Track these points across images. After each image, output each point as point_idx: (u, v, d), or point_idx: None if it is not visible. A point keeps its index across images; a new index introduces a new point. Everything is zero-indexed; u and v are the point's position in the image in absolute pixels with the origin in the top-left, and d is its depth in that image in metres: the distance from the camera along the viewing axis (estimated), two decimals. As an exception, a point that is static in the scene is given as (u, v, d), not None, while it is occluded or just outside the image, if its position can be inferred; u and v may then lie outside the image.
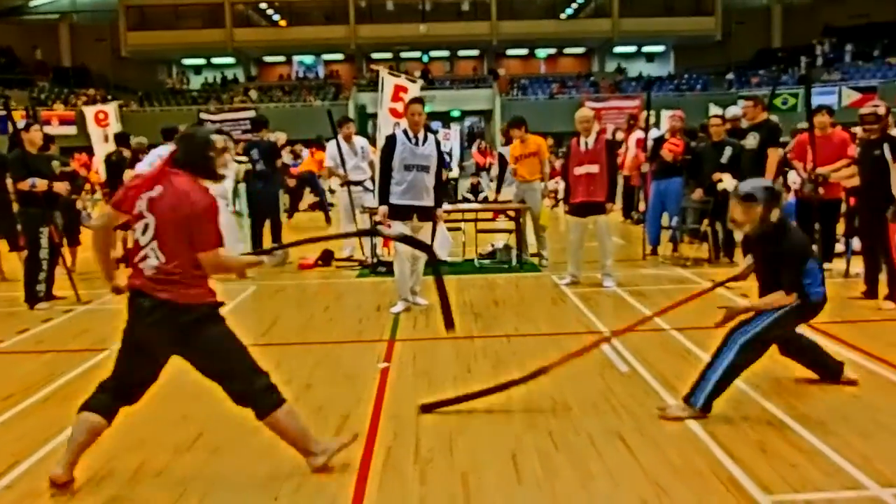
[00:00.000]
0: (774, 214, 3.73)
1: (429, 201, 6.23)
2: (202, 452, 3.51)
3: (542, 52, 38.22)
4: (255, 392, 3.18)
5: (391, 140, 6.18)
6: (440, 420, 3.82)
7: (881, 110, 5.82)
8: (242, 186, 8.97)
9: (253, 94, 35.18)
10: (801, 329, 4.25)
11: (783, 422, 3.62)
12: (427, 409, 3.93)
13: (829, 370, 4.14)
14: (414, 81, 9.13)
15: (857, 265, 6.75)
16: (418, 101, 6.24)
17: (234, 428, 3.78)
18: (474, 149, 22.12)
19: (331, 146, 9.13)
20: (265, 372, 3.26)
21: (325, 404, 4.12)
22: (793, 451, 3.28)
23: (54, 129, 28.04)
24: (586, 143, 7.05)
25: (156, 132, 11.69)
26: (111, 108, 15.65)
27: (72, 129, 27.29)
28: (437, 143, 6.29)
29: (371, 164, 8.95)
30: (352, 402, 4.13)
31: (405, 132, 6.15)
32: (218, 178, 3.18)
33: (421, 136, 6.12)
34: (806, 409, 3.77)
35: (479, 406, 4.00)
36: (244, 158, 8.22)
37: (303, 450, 3.24)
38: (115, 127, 14.50)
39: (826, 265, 7.04)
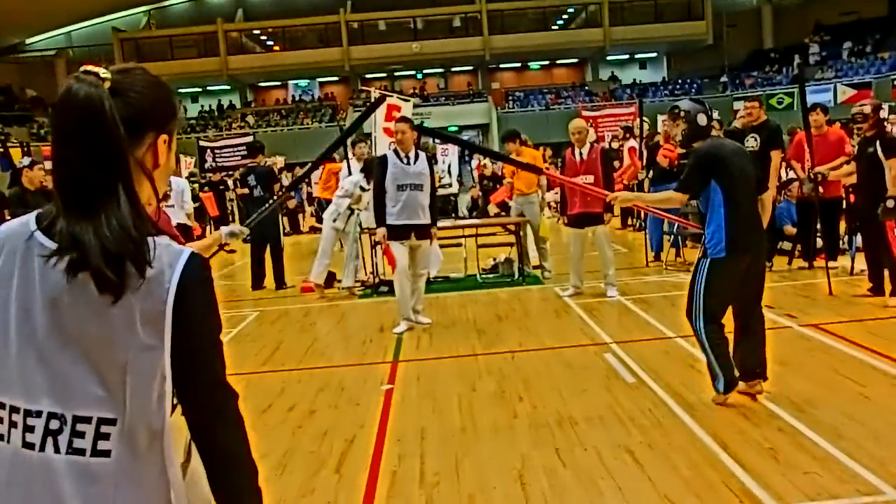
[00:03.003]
0: (701, 120, 3.95)
1: (425, 219, 6.20)
2: (205, 486, 3.45)
3: (535, 64, 38.35)
4: None
5: (383, 160, 6.17)
6: (445, 441, 3.76)
7: (867, 109, 5.84)
8: (364, 214, 8.27)
9: (250, 119, 35.34)
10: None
11: (794, 427, 3.55)
12: None
13: (747, 371, 3.98)
14: (406, 100, 9.13)
15: (862, 262, 6.68)
16: (404, 120, 6.23)
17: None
18: (474, 163, 22.06)
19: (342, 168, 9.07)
20: None
21: (330, 429, 4.06)
22: (805, 458, 3.21)
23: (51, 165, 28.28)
24: (581, 154, 7.02)
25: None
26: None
27: (71, 164, 27.43)
28: (430, 161, 6.26)
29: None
30: (356, 426, 4.07)
31: (396, 152, 6.13)
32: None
33: (412, 154, 6.11)
34: (817, 413, 3.71)
35: (484, 424, 3.95)
36: (369, 187, 8.00)
37: None
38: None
39: (832, 263, 6.99)
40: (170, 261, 1.14)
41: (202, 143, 27.90)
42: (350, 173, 8.66)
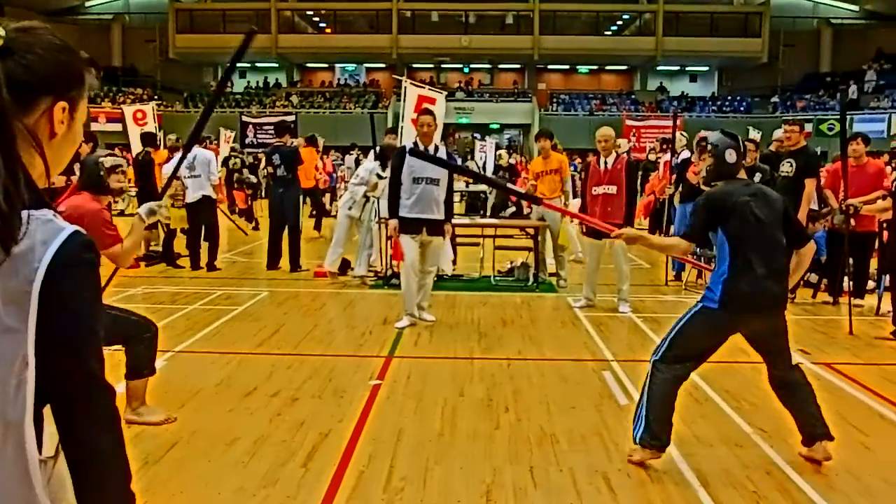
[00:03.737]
0: (730, 156, 3.46)
1: (439, 215, 6.10)
2: (170, 465, 3.40)
3: (583, 68, 37.92)
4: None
5: (401, 152, 6.07)
6: (420, 446, 3.65)
7: None
8: (382, 202, 8.21)
9: (294, 99, 35.56)
10: (820, 373, 3.96)
11: (784, 472, 3.37)
12: None
13: (807, 435, 3.46)
14: (440, 92, 9.01)
15: (889, 303, 6.39)
16: (428, 112, 6.13)
17: (208, 441, 3.68)
18: (513, 160, 21.82)
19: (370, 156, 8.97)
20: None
21: (308, 420, 3.99)
22: (789, 506, 3.04)
23: (101, 126, 28.81)
24: (606, 163, 6.84)
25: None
26: (149, 108, 15.93)
27: (117, 127, 27.90)
28: (449, 156, 6.15)
29: None
30: (334, 420, 3.99)
31: (415, 144, 6.03)
32: (113, 192, 3.92)
33: (431, 148, 6.00)
34: (811, 458, 3.51)
35: (464, 432, 3.83)
36: (385, 174, 7.87)
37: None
38: (151, 127, 14.68)
39: (856, 301, 6.71)
40: (44, 238, 1.04)
41: (244, 119, 28.19)
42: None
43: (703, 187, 3.61)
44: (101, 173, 3.82)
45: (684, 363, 3.37)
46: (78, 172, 3.97)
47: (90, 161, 3.86)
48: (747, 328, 3.41)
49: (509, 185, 4.28)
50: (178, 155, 9.36)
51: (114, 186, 3.87)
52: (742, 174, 3.53)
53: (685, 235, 3.52)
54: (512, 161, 16.80)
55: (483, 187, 16.02)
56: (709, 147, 3.51)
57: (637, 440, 3.34)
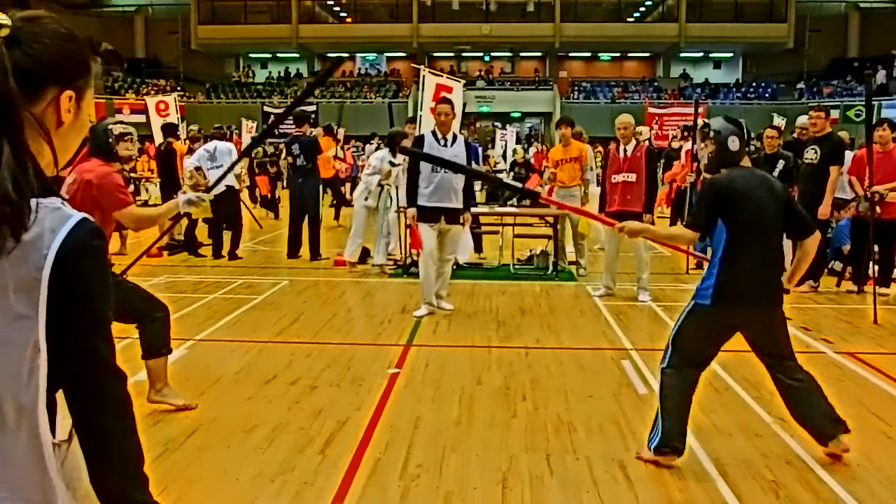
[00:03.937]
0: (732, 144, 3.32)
1: (457, 203, 6.09)
2: (190, 451, 3.45)
3: (605, 55, 37.53)
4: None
5: (419, 141, 6.07)
6: (437, 433, 3.66)
7: None
8: (393, 189, 8.20)
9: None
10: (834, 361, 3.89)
11: (804, 462, 3.33)
12: None
13: (819, 436, 3.32)
14: (458, 81, 8.98)
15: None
16: (446, 101, 6.11)
17: (227, 428, 3.72)
18: (532, 150, 21.71)
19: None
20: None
21: (326, 407, 4.02)
22: (809, 497, 3.00)
23: (125, 118, 29.14)
24: (625, 151, 6.77)
25: (222, 123, 12.03)
26: (171, 99, 16.06)
27: (141, 118, 28.17)
28: (467, 145, 6.14)
29: None
30: (352, 408, 4.02)
31: (433, 133, 6.03)
32: (122, 160, 3.87)
33: (450, 137, 5.99)
34: (832, 448, 3.46)
35: (481, 420, 3.84)
36: (398, 161, 7.88)
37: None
38: (173, 118, 14.80)
39: (881, 290, 6.59)
40: (53, 226, 1.05)
41: (266, 109, 28.37)
42: None
43: (704, 175, 3.53)
44: (110, 140, 3.79)
45: (690, 367, 3.28)
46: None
47: (99, 128, 3.82)
48: (742, 324, 3.27)
49: (507, 181, 4.25)
50: (199, 146, 9.59)
51: (122, 154, 3.84)
52: (746, 162, 3.38)
53: (689, 225, 3.41)
54: (529, 155, 16.68)
55: (504, 176, 15.96)
56: (711, 133, 3.37)
57: (651, 448, 3.25)
